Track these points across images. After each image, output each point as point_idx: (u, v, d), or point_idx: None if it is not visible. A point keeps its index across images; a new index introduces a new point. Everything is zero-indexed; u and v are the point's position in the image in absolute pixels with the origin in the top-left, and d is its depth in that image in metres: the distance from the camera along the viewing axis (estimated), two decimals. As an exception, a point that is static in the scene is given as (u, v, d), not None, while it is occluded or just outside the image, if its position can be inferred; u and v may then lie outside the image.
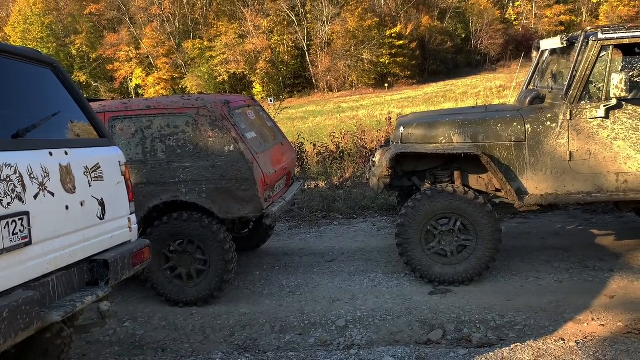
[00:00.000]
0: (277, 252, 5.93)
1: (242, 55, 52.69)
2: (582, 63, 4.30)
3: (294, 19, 54.48)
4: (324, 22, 53.78)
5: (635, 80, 4.60)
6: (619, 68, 4.69)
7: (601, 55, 4.32)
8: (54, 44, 55.09)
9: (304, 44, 54.44)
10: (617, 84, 4.09)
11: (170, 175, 4.43)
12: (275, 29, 54.67)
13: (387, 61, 51.86)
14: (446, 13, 58.49)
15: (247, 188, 4.39)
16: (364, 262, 5.42)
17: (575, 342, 3.46)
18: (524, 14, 61.13)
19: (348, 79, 52.64)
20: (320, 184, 8.75)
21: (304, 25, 54.70)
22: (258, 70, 52.65)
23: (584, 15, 60.17)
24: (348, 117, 25.43)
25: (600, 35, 4.27)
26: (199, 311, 4.53)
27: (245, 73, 53.53)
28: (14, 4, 56.36)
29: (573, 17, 59.77)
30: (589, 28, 4.47)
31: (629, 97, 4.25)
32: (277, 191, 5.01)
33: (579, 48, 4.35)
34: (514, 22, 60.73)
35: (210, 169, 4.39)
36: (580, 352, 3.29)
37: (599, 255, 5.03)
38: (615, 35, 4.26)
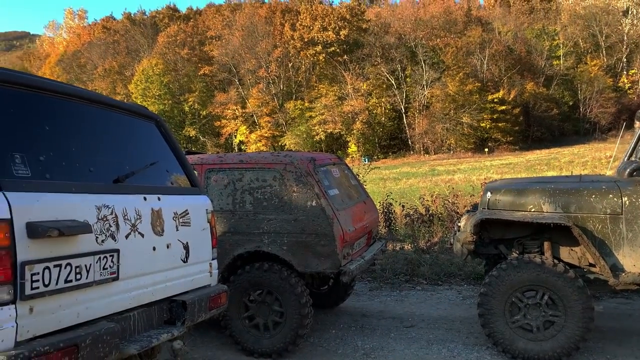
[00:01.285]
0: (355, 312, 5.88)
1: (340, 116, 54.35)
2: (689, 135, 4.02)
3: (393, 82, 55.63)
4: (423, 86, 54.34)
5: None
6: None
7: None
8: (170, 101, 60.28)
9: (402, 106, 55.17)
10: None
11: (255, 226, 4.63)
12: (374, 91, 56.07)
13: (488, 126, 51.00)
14: (552, 80, 56.91)
15: (326, 243, 4.46)
16: (445, 331, 5.22)
17: None
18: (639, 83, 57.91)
19: (446, 142, 52.26)
20: (406, 247, 8.64)
21: (402, 89, 55.63)
22: (354, 131, 53.90)
23: None
24: (443, 180, 25.06)
25: None
26: (272, 364, 4.57)
27: (342, 133, 54.96)
28: (138, 64, 62.73)
29: (694, 86, 55.72)
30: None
31: None
32: (356, 249, 5.04)
33: (685, 119, 4.09)
34: (628, 91, 57.62)
35: (292, 222, 4.54)
36: None
37: None
38: None
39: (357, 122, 53.64)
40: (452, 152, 50.97)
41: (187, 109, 61.18)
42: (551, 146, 48.47)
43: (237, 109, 59.20)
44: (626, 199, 4.22)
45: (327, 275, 4.96)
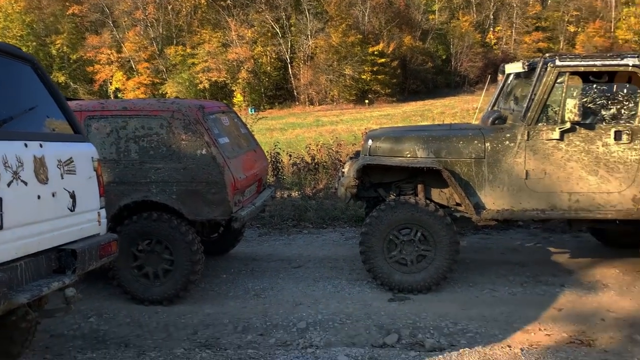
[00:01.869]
0: (245, 257, 6.05)
1: (224, 64, 52.83)
2: (540, 87, 4.57)
3: (278, 31, 54.90)
4: (307, 36, 54.31)
5: (589, 106, 4.89)
6: (574, 94, 4.98)
7: (558, 81, 4.60)
8: (34, 43, 54.43)
9: (287, 56, 54.85)
10: (571, 108, 4.36)
11: (142, 176, 4.55)
12: (259, 39, 55.00)
13: (369, 78, 52.53)
14: (428, 34, 59.60)
15: (217, 191, 4.52)
16: (329, 269, 5.57)
17: (520, 349, 3.66)
18: (504, 39, 62.62)
19: (329, 93, 53.15)
20: (293, 194, 8.91)
21: (287, 38, 55.16)
22: (239, 80, 52.82)
23: (562, 44, 61.92)
24: (327, 130, 25.65)
25: (557, 62, 4.55)
26: (163, 310, 4.62)
27: (227, 82, 53.64)
28: (-5, 1, 55.66)
29: (551, 45, 61.44)
30: (547, 55, 4.75)
31: (582, 122, 4.51)
32: (247, 196, 5.15)
33: (538, 73, 4.63)
34: (494, 47, 62.11)
35: (181, 171, 4.52)
36: (523, 358, 3.49)
37: (553, 271, 5.28)
38: (571, 63, 4.55)
39: (243, 71, 52.54)
40: (335, 103, 52.05)
41: (54, 52, 55.61)
42: (425, 98, 51.28)
43: (111, 53, 55.00)
44: (488, 144, 4.72)
45: (218, 223, 5.03)
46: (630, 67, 4.50)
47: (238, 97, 53.13)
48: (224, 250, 6.14)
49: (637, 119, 4.49)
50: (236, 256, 6.10)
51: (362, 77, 52.21)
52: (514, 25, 62.23)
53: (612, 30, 61.44)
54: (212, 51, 53.09)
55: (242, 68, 52.82)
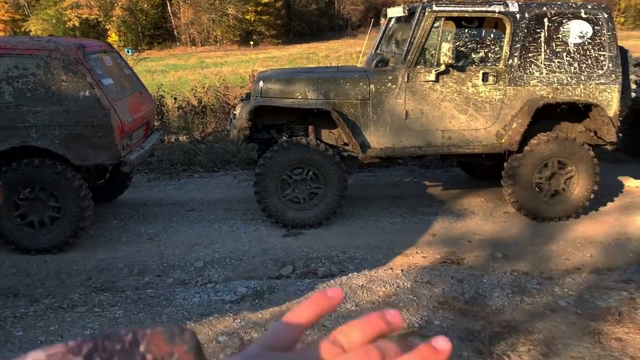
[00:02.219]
0: (135, 203, 5.95)
1: (96, 0, 48.50)
2: (419, 31, 4.88)
3: (154, -35, 51.15)
4: (187, -28, 51.28)
5: (461, 49, 5.31)
6: (449, 38, 5.37)
7: (435, 25, 4.93)
8: None
9: (165, -7, 51.56)
10: (445, 51, 4.73)
11: (19, 120, 4.26)
12: (133, -26, 50.95)
13: (253, 18, 51.16)
14: (311, -26, 58.91)
15: (103, 135, 4.38)
16: (224, 211, 5.67)
17: (401, 270, 4.09)
18: (385, -17, 63.70)
19: (212, 33, 51.15)
20: (181, 138, 8.74)
21: (165, -27, 51.68)
22: (114, 18, 48.88)
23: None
24: (211, 72, 24.87)
25: (434, 7, 4.87)
26: (53, 258, 4.49)
27: (100, 20, 49.44)
28: None
29: (427, -10, 63.57)
30: (425, 0, 5.05)
31: (455, 64, 4.91)
32: (135, 140, 5.03)
33: (416, 18, 4.92)
34: (375, -10, 63.00)
35: (63, 114, 4.30)
36: (403, 276, 3.91)
37: (428, 203, 5.82)
38: (447, 8, 4.89)
39: (117, 8, 48.54)
40: (219, 44, 50.28)
41: None
42: (310, 41, 51.21)
43: (-43, -17, 48.14)
44: (372, 86, 5.00)
45: (105, 167, 4.89)
46: (496, 14, 4.94)
47: (113, 37, 49.24)
48: (111, 196, 5.97)
49: (501, 62, 4.98)
50: (125, 202, 5.97)
51: (246, 17, 50.73)
52: (395, -31, 63.39)
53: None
54: (81, -15, 48.36)
55: (115, 5, 48.83)
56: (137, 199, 6.10)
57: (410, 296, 3.60)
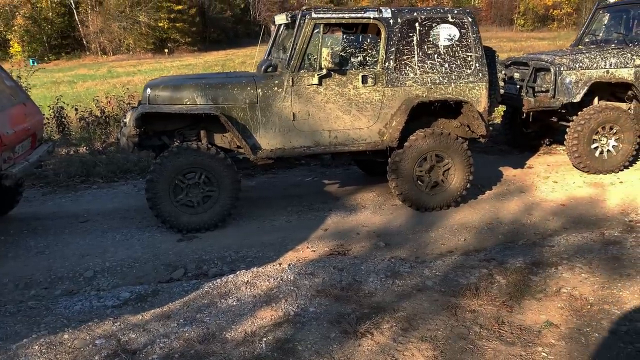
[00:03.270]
0: (27, 217, 5.78)
1: (-6, 9, 45.71)
2: (300, 38, 5.11)
3: (57, -29, 48.96)
4: (93, -21, 49.46)
5: (341, 54, 5.60)
6: (329, 43, 5.66)
7: (315, 31, 5.19)
8: None
9: (71, 1, 49.42)
10: (325, 56, 5.00)
11: None
12: (35, -19, 48.49)
13: (166, 26, 50.17)
14: (225, -19, 58.58)
15: (-20, 148, 4.27)
16: (119, 220, 5.64)
17: (288, 264, 4.29)
18: (299, -11, 64.42)
19: (124, 42, 49.60)
20: (81, 150, 8.53)
21: (70, -20, 49.57)
22: (15, 27, 46.27)
23: (351, -6, 65.85)
24: (122, 82, 24.19)
25: (313, 15, 5.13)
26: None
27: (0, 29, 46.60)
28: None
29: (341, -5, 64.97)
30: (304, 8, 5.30)
31: (336, 68, 5.19)
32: (19, 153, 4.92)
33: (297, 24, 5.16)
34: (290, -4, 63.63)
35: None
36: (288, 270, 4.11)
37: (324, 200, 6.08)
38: (325, 15, 5.16)
39: (18, 17, 45.96)
40: (131, 52, 48.84)
41: None
42: (227, 47, 50.94)
43: None
44: (260, 90, 5.18)
45: (-14, 182, 4.74)
46: (371, 20, 5.27)
47: (16, 47, 46.63)
48: (1, 212, 5.77)
49: (378, 65, 5.31)
50: (16, 217, 5.79)
51: (159, 24, 49.65)
52: (308, -25, 64.24)
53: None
54: (-24, -7, 45.40)
55: (17, 14, 46.25)
56: (29, 213, 5.92)
57: (292, 287, 3.80)
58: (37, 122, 5.50)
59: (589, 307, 3.47)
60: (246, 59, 38.67)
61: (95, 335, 3.18)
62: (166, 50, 48.14)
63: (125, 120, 5.48)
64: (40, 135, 5.68)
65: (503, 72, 5.88)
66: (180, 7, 50.77)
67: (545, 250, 4.48)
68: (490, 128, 5.88)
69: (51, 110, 9.75)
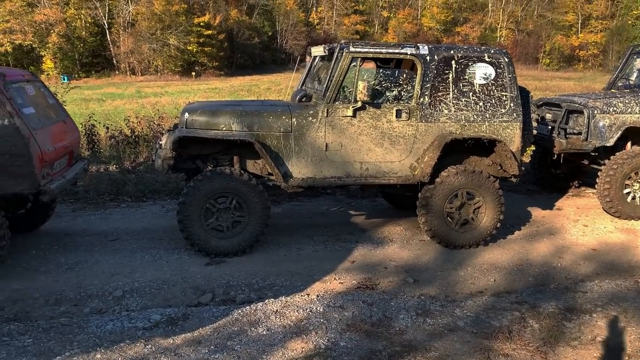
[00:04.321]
0: (58, 233, 5.87)
1: (31, 26, 47.18)
2: (337, 70, 5.19)
3: (93, -7, 50.58)
4: (127, 1, 50.97)
5: (376, 88, 5.66)
6: (365, 77, 5.73)
7: (352, 64, 5.27)
8: None
9: (105, 22, 50.89)
10: (361, 89, 5.06)
11: None
12: (72, 1, 50.10)
13: (195, 49, 51.29)
14: (254, 9, 59.92)
15: (22, 164, 4.37)
16: (148, 240, 5.69)
17: (316, 295, 4.27)
18: (326, 20, 65.60)
19: (153, 63, 50.77)
20: (111, 168, 8.67)
21: (105, 2, 51.10)
22: (50, 44, 47.66)
23: (376, 27, 66.87)
24: (149, 102, 24.71)
25: (351, 48, 5.21)
26: (-37, 289, 4.37)
27: (34, 46, 48.03)
28: None
29: (367, 28, 66.02)
30: (343, 41, 5.39)
31: (370, 101, 5.24)
32: (57, 169, 5.02)
33: (335, 57, 5.24)
34: (317, 26, 64.78)
35: (-20, 143, 4.27)
36: (317, 301, 4.09)
37: (350, 231, 6.07)
38: (362, 49, 5.24)
39: (53, 35, 47.39)
40: (159, 74, 49.94)
41: None
42: (253, 73, 51.83)
43: None
44: (294, 120, 5.24)
45: (25, 196, 4.84)
46: (408, 55, 5.34)
47: (48, 64, 47.99)
48: (33, 226, 5.87)
49: (413, 100, 5.35)
50: (47, 232, 5.88)
51: (188, 48, 50.79)
52: (335, 7, 65.47)
53: (418, 17, 67.99)
54: (15, 10, 46.98)
55: (52, 31, 47.70)
56: (60, 229, 6.01)
57: (321, 319, 3.78)
58: (74, 139, 5.63)
59: (626, 358, 3.38)
60: (271, 85, 39.28)
61: (127, 357, 3.19)
62: (193, 73, 49.08)
63: (161, 142, 5.57)
64: (77, 153, 5.81)
65: (535, 112, 5.88)
66: (209, 32, 51.93)
67: (579, 296, 4.40)
68: (523, 168, 5.85)
69: (83, 128, 9.96)
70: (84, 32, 50.15)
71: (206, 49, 51.84)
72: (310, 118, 5.23)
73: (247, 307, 3.99)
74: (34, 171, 4.42)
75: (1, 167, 4.35)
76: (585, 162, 7.15)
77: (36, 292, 4.38)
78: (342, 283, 4.69)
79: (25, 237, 5.65)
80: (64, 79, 29.88)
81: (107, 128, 10.47)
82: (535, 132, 5.88)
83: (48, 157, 4.64)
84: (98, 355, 3.20)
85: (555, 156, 7.01)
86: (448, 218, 5.48)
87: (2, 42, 46.60)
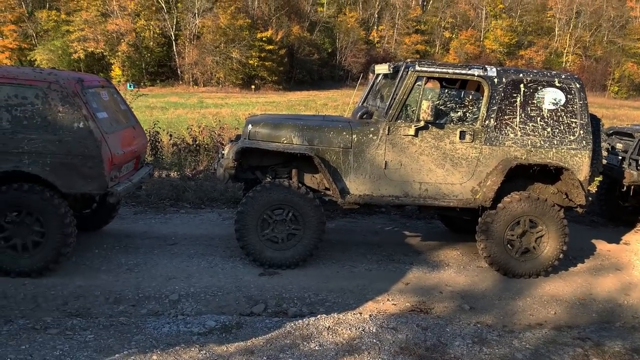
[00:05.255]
0: (119, 234, 6.07)
1: (103, 35, 49.72)
2: (401, 88, 5.16)
3: (163, 5, 52.77)
4: (194, 14, 52.87)
5: (441, 108, 5.59)
6: (429, 96, 5.67)
7: (417, 83, 5.23)
8: None
9: (172, 33, 52.96)
10: (425, 109, 5.00)
11: (14, 145, 4.45)
12: (142, 12, 52.47)
13: (256, 63, 52.50)
14: (316, 26, 60.82)
15: (93, 165, 4.56)
16: (205, 247, 5.80)
17: (369, 315, 4.21)
18: (386, 38, 65.69)
19: (215, 75, 52.29)
20: (172, 174, 8.94)
21: (173, 14, 53.24)
22: (119, 53, 50.01)
23: (437, 48, 66.35)
24: (210, 112, 25.40)
25: (417, 67, 5.17)
26: (32, 282, 4.58)
27: (105, 54, 50.54)
28: None
29: (428, 48, 65.61)
30: (409, 60, 5.36)
31: (434, 121, 5.18)
32: (124, 172, 5.21)
33: (400, 75, 5.22)
34: (377, 45, 64.95)
35: (56, 143, 4.49)
36: (370, 321, 4.03)
37: (405, 252, 5.97)
38: (428, 69, 5.19)
39: (123, 44, 49.77)
40: (220, 86, 51.36)
41: None
42: (310, 89, 52.45)
43: (-29, 10, 49.31)
44: (355, 136, 5.24)
45: (92, 197, 5.05)
46: (475, 77, 5.24)
47: (116, 71, 50.34)
48: (97, 226, 6.10)
49: (478, 122, 5.25)
50: (110, 232, 6.10)
51: (250, 62, 52.06)
52: (396, 25, 65.52)
53: (481, 39, 67.02)
54: (90, 20, 49.67)
55: (122, 40, 50.09)
56: (122, 230, 6.22)
57: (374, 340, 3.71)
58: (142, 145, 5.83)
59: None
60: (328, 101, 39.60)
61: (182, 360, 3.24)
62: (253, 87, 50.16)
63: (223, 152, 5.69)
64: (143, 158, 6.01)
65: (606, 141, 5.63)
66: (271, 47, 53.07)
67: (647, 337, 4.14)
68: (590, 198, 5.60)
69: (147, 134, 10.32)
70: (151, 43, 52.35)
71: (267, 63, 52.95)
72: (371, 135, 5.21)
73: (300, 320, 3.98)
74: (104, 173, 4.61)
75: (73, 167, 4.55)
76: (657, 195, 6.79)
77: (97, 290, 4.53)
78: (395, 304, 4.61)
79: (89, 236, 5.87)
80: (130, 87, 31.22)
81: (171, 135, 10.82)
82: (604, 161, 5.63)
83: (117, 160, 4.82)
84: (154, 357, 3.26)
85: (625, 188, 6.69)
86: (508, 245, 5.30)
87: (75, 49, 49.29)
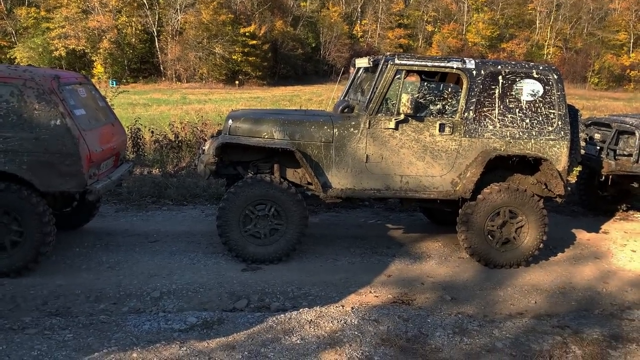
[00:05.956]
0: (100, 232, 6.02)
1: (84, 32, 49.10)
2: (381, 82, 5.17)
3: (144, 1, 52.23)
4: (177, 10, 52.41)
5: (420, 101, 5.61)
6: (409, 89, 5.68)
7: (396, 77, 5.24)
8: None
9: (154, 29, 52.46)
10: (404, 102, 5.02)
11: (-11, 144, 4.38)
12: (124, 9, 51.91)
13: (239, 59, 52.25)
14: (299, 21, 60.63)
15: (71, 163, 4.51)
16: (187, 244, 5.77)
17: (351, 307, 4.23)
18: (369, 33, 65.74)
19: (198, 71, 51.94)
20: (154, 171, 8.87)
21: (155, 10, 52.72)
22: (101, 50, 49.44)
23: (420, 42, 66.58)
24: (193, 109, 25.20)
25: (396, 61, 5.18)
26: (10, 282, 4.53)
27: (86, 51, 49.92)
28: None
29: (411, 42, 65.81)
30: (388, 53, 5.37)
31: (413, 114, 5.19)
32: (103, 170, 5.17)
33: (380, 69, 5.23)
34: (360, 39, 64.97)
35: (33, 141, 4.43)
36: (352, 314, 4.05)
37: (388, 244, 6.00)
38: (407, 62, 5.21)
39: (105, 41, 49.18)
40: (204, 81, 51.04)
41: None
42: (295, 84, 52.32)
43: (-54, 8, 48.41)
44: (336, 130, 5.24)
45: (72, 195, 4.99)
46: (454, 69, 5.27)
47: (98, 68, 49.75)
48: (77, 224, 6.04)
49: (457, 114, 5.28)
50: (91, 231, 6.04)
51: (233, 57, 51.79)
52: (379, 20, 65.61)
53: (463, 32, 67.37)
54: (71, 17, 48.99)
55: (104, 37, 49.50)
56: (103, 228, 6.17)
57: (356, 332, 3.73)
58: (121, 142, 5.78)
59: (676, 392, 3.21)
60: (312, 95, 39.49)
61: (163, 357, 3.22)
62: (237, 82, 49.94)
63: (204, 147, 5.66)
64: (123, 155, 5.96)
65: (584, 131, 5.70)
66: (254, 42, 52.84)
67: (625, 323, 4.21)
68: (569, 188, 5.67)
69: (128, 131, 10.23)
70: (133, 39, 51.82)
71: (250, 58, 52.72)
72: (352, 129, 5.21)
73: (282, 315, 3.99)
74: (82, 171, 4.56)
75: (51, 165, 4.50)
76: (635, 185, 6.88)
77: (78, 289, 4.49)
78: (377, 297, 4.64)
79: (69, 234, 5.82)
80: (112, 84, 30.85)
81: (152, 132, 10.73)
82: (583, 151, 5.71)
83: (96, 157, 4.78)
84: (134, 354, 3.25)
85: (603, 178, 6.78)
86: (489, 236, 5.35)
87: (57, 47, 48.62)
